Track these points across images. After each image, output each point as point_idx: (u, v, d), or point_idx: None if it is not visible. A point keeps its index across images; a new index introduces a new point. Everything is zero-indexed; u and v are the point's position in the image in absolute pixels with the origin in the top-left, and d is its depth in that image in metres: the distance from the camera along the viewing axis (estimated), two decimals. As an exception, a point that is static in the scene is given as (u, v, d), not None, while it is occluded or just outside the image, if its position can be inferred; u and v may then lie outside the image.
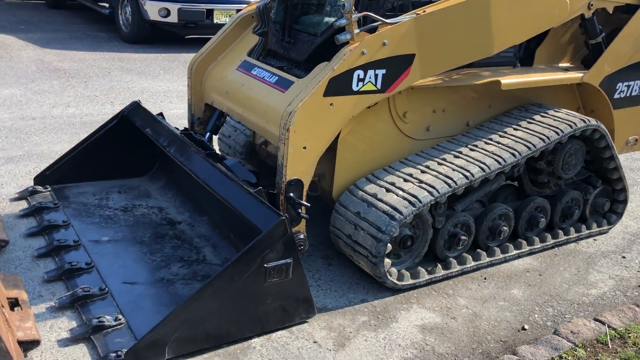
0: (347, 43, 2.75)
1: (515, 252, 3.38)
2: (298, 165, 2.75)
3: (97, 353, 2.30)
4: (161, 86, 6.51)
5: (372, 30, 2.79)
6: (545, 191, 3.56)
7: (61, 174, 3.64)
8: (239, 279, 2.36)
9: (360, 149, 3.09)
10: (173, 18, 8.25)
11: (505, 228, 3.30)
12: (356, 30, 2.73)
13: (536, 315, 2.87)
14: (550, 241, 3.55)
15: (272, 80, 3.08)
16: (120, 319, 2.45)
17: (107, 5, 9.48)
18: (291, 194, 2.76)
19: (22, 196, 3.51)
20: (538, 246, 3.48)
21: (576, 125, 3.30)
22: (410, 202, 2.81)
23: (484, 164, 3.03)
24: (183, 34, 9.27)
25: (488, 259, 3.27)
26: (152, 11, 8.24)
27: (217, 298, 2.35)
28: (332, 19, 2.96)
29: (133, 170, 3.83)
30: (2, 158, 4.10)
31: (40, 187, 3.55)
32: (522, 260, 3.40)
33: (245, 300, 2.44)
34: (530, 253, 3.47)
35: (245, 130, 3.88)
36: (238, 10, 8.52)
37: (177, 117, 5.37)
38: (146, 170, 3.87)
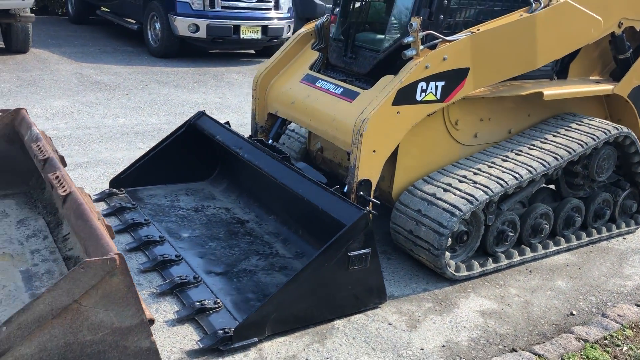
0: (411, 58, 3.08)
1: (554, 248, 3.70)
2: (368, 166, 3.07)
3: (203, 331, 2.60)
4: (198, 98, 6.84)
5: (433, 47, 3.12)
6: (579, 193, 3.88)
7: (134, 178, 3.96)
8: (327, 267, 2.67)
9: (417, 153, 3.41)
10: (202, 34, 8.62)
11: (546, 226, 3.61)
12: (420, 47, 3.06)
13: (581, 303, 3.18)
14: (585, 239, 3.87)
15: (337, 92, 3.41)
16: (218, 302, 2.76)
17: (133, 21, 9.87)
18: (361, 193, 3.08)
19: (100, 198, 3.82)
20: (574, 243, 3.80)
21: (610, 133, 3.63)
22: (468, 200, 3.13)
23: (531, 167, 3.35)
24: (210, 49, 9.64)
25: (532, 254, 3.58)
26: (182, 27, 8.61)
27: (308, 284, 2.65)
28: (394, 37, 3.31)
29: (196, 174, 4.15)
30: (72, 164, 4.41)
31: (115, 189, 3.87)
32: (561, 256, 3.71)
33: (330, 286, 2.74)
34: (568, 249, 3.78)
35: (299, 138, 4.21)
36: (263, 27, 8.95)
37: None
38: (207, 174, 4.19)
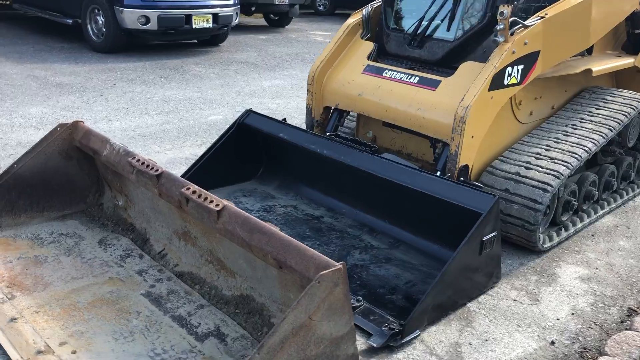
0: (498, 44, 3.20)
1: (602, 211, 4.02)
2: (468, 152, 3.18)
3: (359, 329, 2.60)
4: (177, 94, 6.57)
5: (512, 33, 3.26)
6: (608, 159, 4.21)
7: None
8: (468, 255, 2.75)
9: (486, 135, 3.55)
10: (153, 25, 8.21)
11: (596, 192, 3.91)
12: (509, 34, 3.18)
13: (652, 259, 3.51)
14: (619, 200, 4.23)
15: (414, 81, 3.46)
16: (360, 300, 2.76)
17: (61, 14, 9.16)
18: (462, 178, 3.18)
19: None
20: (614, 205, 4.14)
21: (651, 99, 3.99)
22: (554, 175, 3.32)
23: (593, 139, 3.61)
24: (160, 40, 9.20)
25: (588, 220, 3.87)
26: (130, 19, 8.15)
27: (454, 273, 2.72)
28: (468, 24, 3.41)
29: (243, 174, 4.04)
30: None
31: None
32: (606, 219, 4.04)
33: (467, 272, 2.83)
34: (609, 211, 4.12)
35: (343, 129, 4.22)
36: (214, 15, 8.69)
37: (221, 122, 5.54)
38: (253, 174, 4.10)
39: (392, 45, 3.73)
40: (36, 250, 3.02)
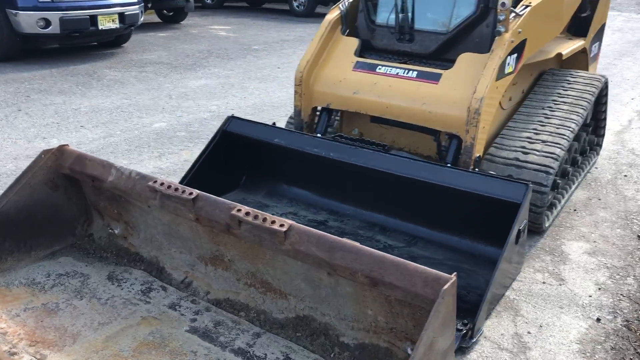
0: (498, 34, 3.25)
1: (573, 186, 4.26)
2: (480, 143, 3.21)
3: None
4: (106, 103, 6.05)
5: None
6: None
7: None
8: (511, 245, 2.78)
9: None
10: (54, 29, 7.51)
11: (570, 169, 4.13)
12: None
13: (636, 224, 3.77)
14: (582, 174, 4.50)
15: (412, 75, 3.43)
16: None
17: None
18: (476, 169, 3.21)
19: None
20: (580, 179, 4.41)
21: (603, 80, 4.25)
22: (553, 158, 3.45)
23: (573, 119, 3.79)
24: (59, 45, 8.40)
25: (567, 195, 4.08)
26: (28, 23, 7.39)
27: (502, 267, 2.74)
28: (461, 16, 3.42)
29: (228, 184, 3.82)
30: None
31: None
32: (577, 194, 4.28)
33: (508, 262, 2.87)
34: (578, 186, 4.38)
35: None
36: (120, 14, 8.13)
37: (168, 129, 5.21)
38: (236, 183, 3.88)
39: (380, 40, 3.66)
40: (40, 298, 2.63)
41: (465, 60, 3.33)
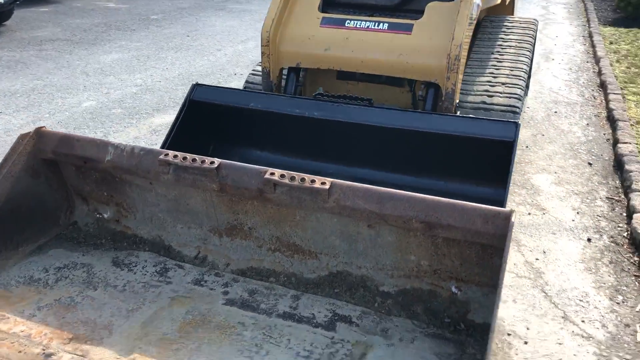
0: (462, -19, 3.34)
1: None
2: (459, 89, 3.32)
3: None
4: (16, 85, 5.50)
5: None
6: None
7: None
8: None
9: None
10: None
11: (516, 109, 4.39)
12: (469, -31, 3.33)
13: (582, 156, 4.11)
14: (523, 109, 4.81)
15: (384, 27, 3.43)
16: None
17: None
18: (458, 113, 3.33)
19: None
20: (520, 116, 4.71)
21: (536, 22, 4.52)
22: (516, 98, 3.64)
23: (523, 61, 4.02)
24: None
25: (517, 134, 4.35)
26: None
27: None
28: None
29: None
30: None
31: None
32: (521, 131, 4.57)
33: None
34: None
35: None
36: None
37: (100, 107, 4.87)
38: (204, 154, 3.73)
39: (345, -7, 3.63)
40: (50, 294, 2.41)
41: (434, 9, 3.39)
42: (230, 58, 6.74)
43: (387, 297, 2.41)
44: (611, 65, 6.33)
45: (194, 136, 3.48)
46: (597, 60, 6.66)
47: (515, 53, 4.07)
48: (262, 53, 3.58)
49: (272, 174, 2.28)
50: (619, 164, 3.86)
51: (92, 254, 2.69)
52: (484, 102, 3.60)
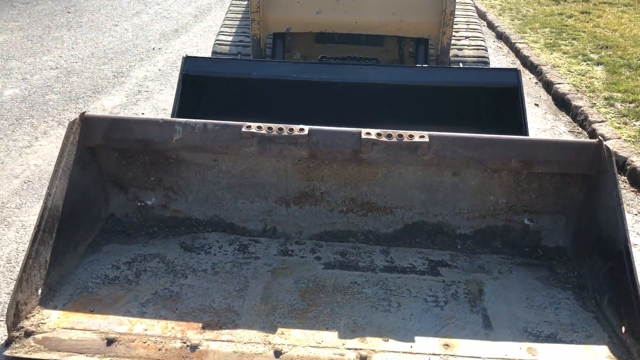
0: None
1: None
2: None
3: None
4: None
5: None
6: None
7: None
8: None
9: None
10: None
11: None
12: None
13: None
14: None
15: (372, -13, 3.51)
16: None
17: None
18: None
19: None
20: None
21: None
22: (483, 49, 3.95)
23: (474, 16, 4.34)
24: None
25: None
26: None
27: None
28: None
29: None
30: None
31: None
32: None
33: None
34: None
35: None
36: None
37: (26, 95, 4.38)
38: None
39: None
40: (141, 290, 2.22)
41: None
42: (135, 33, 6.32)
43: (465, 238, 2.58)
44: (497, 18, 7.00)
45: (202, 110, 3.32)
46: (480, 14, 7.30)
47: (463, 9, 4.37)
48: (252, 20, 3.50)
49: (368, 133, 2.32)
50: (562, 102, 4.38)
51: (153, 244, 2.52)
52: (457, 56, 3.86)
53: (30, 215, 2.92)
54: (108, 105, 4.08)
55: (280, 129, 2.33)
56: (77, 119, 2.33)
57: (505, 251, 2.53)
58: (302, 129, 2.32)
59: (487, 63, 3.84)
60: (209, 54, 5.81)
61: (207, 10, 7.57)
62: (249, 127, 2.33)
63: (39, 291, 2.07)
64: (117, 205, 2.66)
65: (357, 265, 2.41)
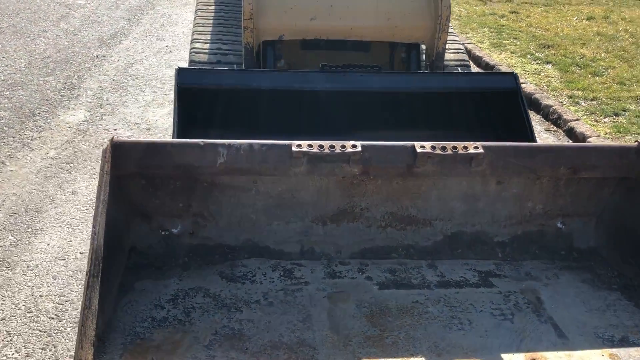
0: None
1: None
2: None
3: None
4: None
5: None
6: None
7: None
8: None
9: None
10: None
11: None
12: None
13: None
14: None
15: (365, -7, 3.44)
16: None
17: None
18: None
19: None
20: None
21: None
22: (463, 52, 4.01)
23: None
24: None
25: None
26: None
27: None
28: None
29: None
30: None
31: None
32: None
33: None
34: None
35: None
36: None
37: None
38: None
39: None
40: (198, 330, 2.02)
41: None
42: (70, 39, 5.85)
43: (503, 246, 2.59)
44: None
45: (201, 125, 3.11)
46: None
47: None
48: (245, 27, 3.33)
49: (422, 147, 2.25)
50: (530, 101, 4.54)
51: (189, 276, 2.32)
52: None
53: (33, 254, 2.59)
54: (71, 121, 3.75)
55: (332, 147, 2.21)
56: (108, 145, 2.08)
57: (543, 256, 2.56)
58: (354, 145, 2.22)
59: (468, 66, 3.90)
60: (159, 62, 5.53)
61: (139, 13, 7.17)
62: (299, 145, 2.19)
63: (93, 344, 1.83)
64: (138, 237, 2.42)
65: (411, 282, 2.34)
